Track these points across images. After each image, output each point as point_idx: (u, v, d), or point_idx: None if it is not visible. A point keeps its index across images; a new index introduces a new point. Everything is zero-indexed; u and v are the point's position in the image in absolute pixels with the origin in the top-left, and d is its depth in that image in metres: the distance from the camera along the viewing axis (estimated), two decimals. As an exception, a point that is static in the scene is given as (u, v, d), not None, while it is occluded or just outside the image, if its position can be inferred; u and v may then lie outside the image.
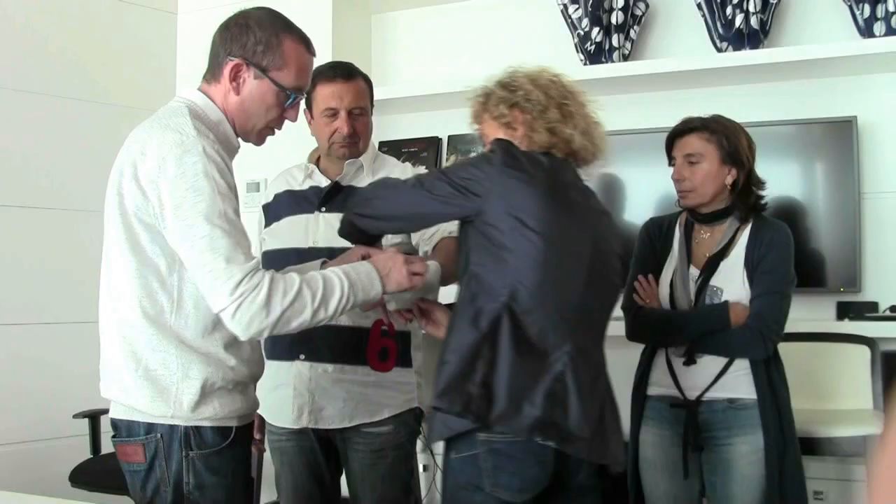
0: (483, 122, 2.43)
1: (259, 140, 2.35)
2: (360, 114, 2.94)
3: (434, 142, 4.58)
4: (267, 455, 3.11)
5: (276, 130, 2.36)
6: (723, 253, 2.86)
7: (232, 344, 2.19)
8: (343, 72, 2.97)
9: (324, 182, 2.96)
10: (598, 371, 2.33)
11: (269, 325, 2.09)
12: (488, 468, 2.18)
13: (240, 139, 2.32)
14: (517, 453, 2.18)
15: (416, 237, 2.85)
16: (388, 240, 2.81)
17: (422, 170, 3.02)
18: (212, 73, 2.28)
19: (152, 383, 2.17)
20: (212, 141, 2.13)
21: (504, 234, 2.21)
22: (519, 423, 2.15)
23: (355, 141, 2.93)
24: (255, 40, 2.21)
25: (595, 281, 2.32)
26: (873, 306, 3.72)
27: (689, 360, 2.83)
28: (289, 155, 3.21)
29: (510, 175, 2.22)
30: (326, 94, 2.92)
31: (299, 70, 2.26)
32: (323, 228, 2.89)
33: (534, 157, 2.29)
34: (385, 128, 4.53)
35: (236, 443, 2.26)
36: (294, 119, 2.33)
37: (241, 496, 2.33)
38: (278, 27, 2.25)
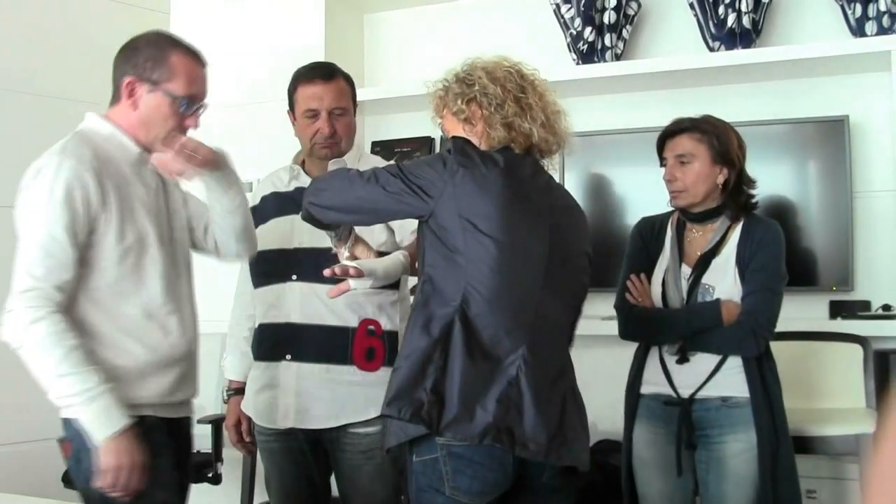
0: (444, 116, 2.42)
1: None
2: (342, 114, 2.94)
3: (426, 141, 4.58)
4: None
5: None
6: (714, 251, 2.86)
7: (133, 331, 2.34)
8: (323, 72, 2.97)
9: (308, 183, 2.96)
10: (558, 373, 2.30)
11: (21, 343, 2.24)
12: (448, 472, 2.17)
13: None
14: (476, 457, 2.17)
15: (398, 235, 2.85)
16: (374, 240, 2.81)
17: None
18: (113, 97, 2.48)
19: None
20: (81, 159, 2.31)
21: (457, 238, 2.19)
22: (471, 429, 2.14)
23: (337, 141, 2.93)
24: (145, 58, 2.42)
25: (554, 281, 2.29)
26: (865, 305, 3.72)
27: (682, 359, 2.83)
28: (280, 156, 3.21)
29: (464, 176, 2.20)
30: (307, 96, 2.93)
31: (189, 79, 2.43)
32: (308, 229, 2.88)
33: (490, 156, 2.26)
34: (377, 127, 4.53)
35: (151, 431, 2.34)
36: (194, 126, 2.49)
37: (166, 484, 2.39)
38: (165, 44, 2.45)
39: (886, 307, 3.67)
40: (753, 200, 2.92)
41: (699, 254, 2.89)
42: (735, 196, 2.88)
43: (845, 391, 3.39)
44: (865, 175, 3.80)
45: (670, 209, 3.01)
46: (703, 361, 2.82)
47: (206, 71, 2.51)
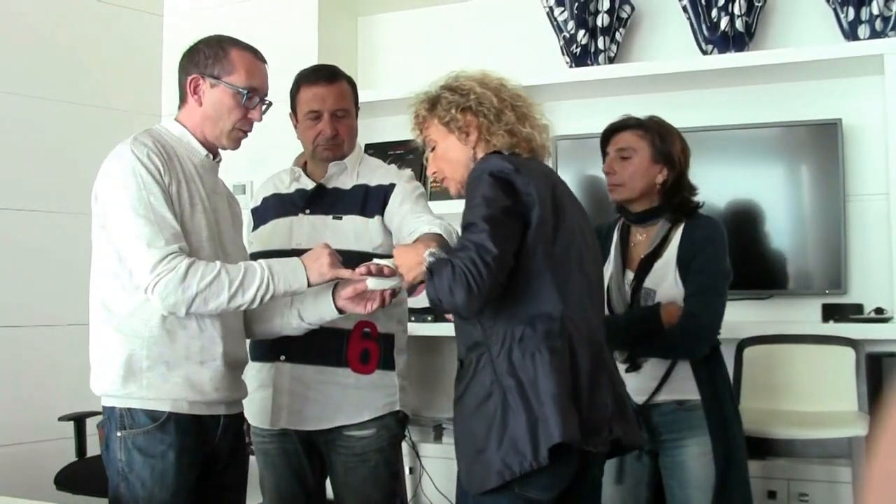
0: (429, 126, 2.39)
1: (232, 143, 2.59)
2: (344, 116, 2.94)
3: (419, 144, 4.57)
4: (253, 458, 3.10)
5: (246, 132, 2.59)
6: (655, 254, 2.83)
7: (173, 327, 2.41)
8: (325, 74, 2.97)
9: (310, 185, 2.97)
10: (615, 365, 2.41)
11: (184, 301, 2.33)
12: None
13: (219, 150, 2.61)
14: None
15: (395, 238, 2.84)
16: (371, 241, 2.82)
17: (407, 172, 3.02)
18: (180, 100, 2.59)
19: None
20: (151, 149, 2.41)
21: (534, 255, 2.19)
22: (600, 436, 2.18)
23: (339, 143, 2.93)
24: (205, 56, 2.53)
25: (595, 275, 2.37)
26: (858, 308, 3.72)
27: (633, 367, 2.80)
28: (274, 158, 3.21)
29: (534, 194, 2.19)
30: (309, 97, 2.93)
31: (249, 72, 2.53)
32: (307, 230, 2.90)
33: (532, 167, 2.27)
34: (371, 130, 4.52)
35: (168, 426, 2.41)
36: (258, 118, 2.57)
37: (173, 483, 2.41)
38: (224, 42, 2.56)
39: (879, 310, 3.68)
40: (692, 205, 2.89)
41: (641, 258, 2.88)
42: (669, 197, 2.86)
43: (838, 394, 3.39)
44: (858, 178, 3.81)
45: (618, 215, 3.00)
46: (654, 367, 2.79)
47: (266, 68, 2.60)
